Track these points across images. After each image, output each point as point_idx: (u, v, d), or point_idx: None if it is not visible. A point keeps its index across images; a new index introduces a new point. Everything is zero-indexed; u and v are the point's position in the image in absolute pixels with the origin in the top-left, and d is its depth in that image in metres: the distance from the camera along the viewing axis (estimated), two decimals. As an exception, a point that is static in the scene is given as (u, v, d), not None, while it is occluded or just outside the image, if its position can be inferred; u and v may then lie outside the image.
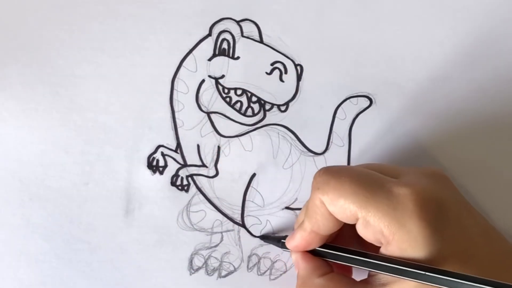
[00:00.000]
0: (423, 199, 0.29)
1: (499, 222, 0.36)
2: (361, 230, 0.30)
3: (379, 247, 0.30)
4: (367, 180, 0.30)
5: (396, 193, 0.29)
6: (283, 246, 0.35)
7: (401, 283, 0.29)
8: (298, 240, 0.33)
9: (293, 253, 0.34)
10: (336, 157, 0.37)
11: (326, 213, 0.31)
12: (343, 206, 0.30)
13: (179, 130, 0.37)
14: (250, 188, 0.37)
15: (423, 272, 0.28)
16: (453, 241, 0.29)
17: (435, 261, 0.28)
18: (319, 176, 0.31)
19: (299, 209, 0.37)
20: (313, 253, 0.33)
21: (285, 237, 0.34)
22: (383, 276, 0.30)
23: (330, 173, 0.31)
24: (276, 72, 0.37)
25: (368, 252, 0.31)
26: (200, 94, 0.37)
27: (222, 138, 0.37)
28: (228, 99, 0.37)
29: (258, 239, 0.37)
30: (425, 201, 0.29)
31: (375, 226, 0.29)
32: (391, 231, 0.29)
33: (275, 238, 0.36)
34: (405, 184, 0.30)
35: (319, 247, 0.33)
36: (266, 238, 0.37)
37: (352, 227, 0.31)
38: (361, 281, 0.32)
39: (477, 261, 0.29)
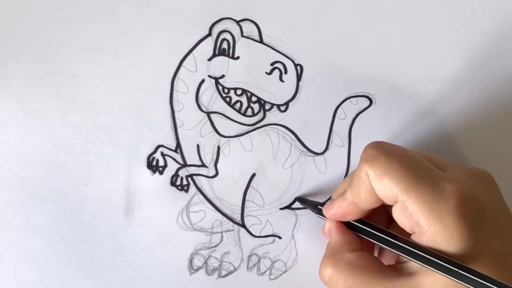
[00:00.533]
0: (466, 198, 0.29)
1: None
2: (398, 214, 0.30)
3: (409, 235, 0.30)
4: (416, 165, 0.30)
5: (442, 186, 0.29)
6: (319, 212, 0.34)
7: (431, 275, 0.29)
8: (336, 209, 0.32)
9: (327, 221, 0.33)
10: (336, 157, 0.37)
11: (369, 187, 0.30)
12: (386, 185, 0.29)
13: (179, 130, 0.37)
14: (250, 188, 0.37)
15: (456, 269, 0.28)
16: (488, 243, 0.29)
17: (466, 258, 0.28)
18: (370, 149, 0.31)
19: (300, 209, 0.37)
20: (347, 226, 0.33)
21: (322, 204, 0.34)
22: (413, 265, 0.30)
23: (382, 149, 0.30)
24: (276, 72, 0.37)
25: (403, 237, 0.30)
26: (200, 94, 0.37)
27: (222, 138, 0.37)
28: (228, 99, 0.37)
29: (258, 238, 0.37)
30: (468, 201, 0.29)
31: (413, 213, 0.29)
32: (428, 222, 0.28)
33: (312, 203, 0.36)
34: (452, 180, 0.29)
35: (355, 221, 0.32)
36: (303, 201, 0.36)
37: (386, 209, 0.31)
38: (389, 265, 0.32)
39: (510, 266, 0.29)
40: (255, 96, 0.37)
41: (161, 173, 0.37)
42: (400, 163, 0.29)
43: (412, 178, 0.29)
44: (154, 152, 0.37)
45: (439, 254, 0.28)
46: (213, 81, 0.37)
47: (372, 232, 0.32)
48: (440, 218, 0.28)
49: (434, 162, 0.31)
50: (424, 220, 0.29)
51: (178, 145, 0.37)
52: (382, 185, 0.29)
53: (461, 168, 0.32)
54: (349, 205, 0.32)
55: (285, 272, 0.37)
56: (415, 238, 0.30)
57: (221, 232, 0.37)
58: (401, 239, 0.30)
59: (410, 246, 0.30)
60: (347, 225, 0.33)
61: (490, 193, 0.31)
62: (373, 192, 0.30)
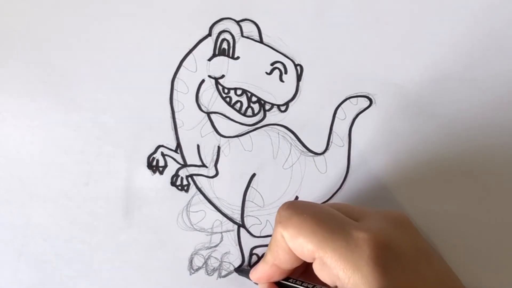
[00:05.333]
0: (381, 245, 0.29)
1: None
2: (318, 271, 0.30)
3: None
4: (328, 220, 0.30)
5: (355, 236, 0.29)
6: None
7: None
8: (260, 273, 0.33)
9: (260, 285, 0.34)
10: (336, 157, 0.37)
11: (286, 248, 0.31)
12: (302, 244, 0.30)
13: (179, 130, 0.37)
14: (250, 188, 0.37)
15: None
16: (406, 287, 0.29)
17: None
18: (283, 210, 0.31)
19: (299, 209, 0.37)
20: (279, 284, 0.33)
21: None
22: None
23: (293, 209, 0.31)
24: (276, 72, 0.37)
25: None
26: (200, 94, 0.37)
27: (222, 138, 0.37)
28: (228, 99, 0.37)
29: (258, 239, 0.37)
30: (383, 247, 0.29)
31: (331, 268, 0.29)
32: (346, 274, 0.28)
33: (248, 271, 0.36)
34: (365, 229, 0.29)
35: (285, 279, 0.33)
36: (240, 271, 0.37)
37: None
38: None
39: None
40: (255, 96, 0.37)
41: (161, 173, 0.37)
42: (312, 221, 0.30)
43: (325, 233, 0.29)
44: (154, 152, 0.37)
45: None
46: (213, 81, 0.37)
47: (298, 287, 0.32)
48: (358, 268, 0.28)
49: (348, 212, 0.31)
50: (343, 273, 0.28)
51: (178, 145, 0.37)
52: (298, 245, 0.30)
53: (377, 214, 0.32)
54: (271, 267, 0.32)
55: (285, 272, 0.37)
56: None
57: (221, 232, 0.37)
58: None
59: None
60: (279, 285, 0.33)
61: (406, 236, 0.31)
62: (291, 252, 0.31)
